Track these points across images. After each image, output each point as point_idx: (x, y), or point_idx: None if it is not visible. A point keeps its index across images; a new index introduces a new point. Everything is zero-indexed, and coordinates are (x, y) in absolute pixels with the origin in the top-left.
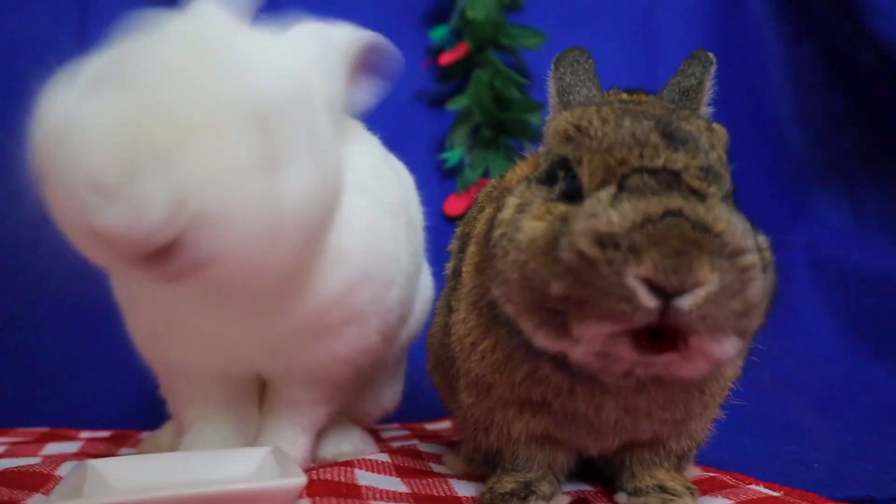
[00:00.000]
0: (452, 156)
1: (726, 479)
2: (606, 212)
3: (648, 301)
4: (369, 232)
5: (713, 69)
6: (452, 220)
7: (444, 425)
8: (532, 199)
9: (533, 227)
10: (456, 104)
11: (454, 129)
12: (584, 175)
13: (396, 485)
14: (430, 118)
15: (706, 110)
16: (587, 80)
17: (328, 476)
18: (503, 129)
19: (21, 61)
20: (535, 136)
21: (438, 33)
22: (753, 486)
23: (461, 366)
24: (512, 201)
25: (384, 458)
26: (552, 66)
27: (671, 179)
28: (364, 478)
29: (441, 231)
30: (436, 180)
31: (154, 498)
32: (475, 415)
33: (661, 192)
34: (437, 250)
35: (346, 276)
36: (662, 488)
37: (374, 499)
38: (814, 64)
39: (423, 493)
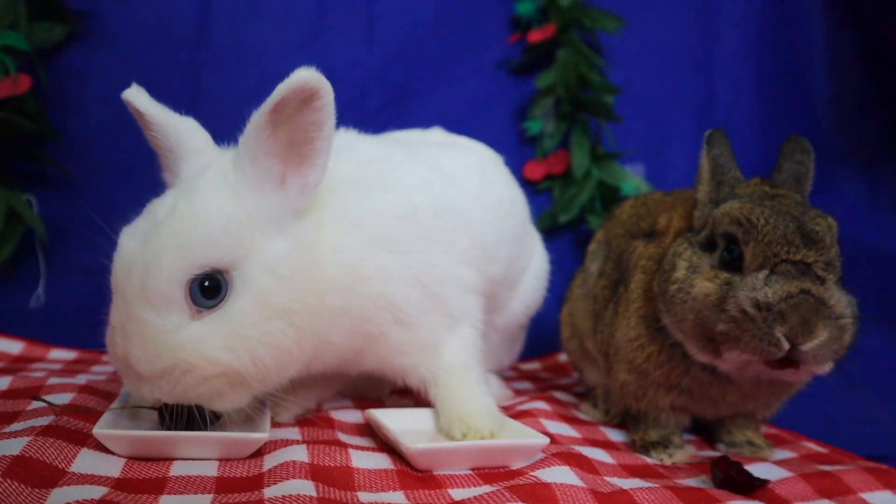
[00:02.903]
0: (533, 125)
1: (785, 435)
2: (763, 287)
3: (786, 345)
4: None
5: (812, 157)
6: (531, 184)
7: (533, 365)
8: (699, 263)
9: (705, 286)
10: (544, 81)
11: (535, 102)
12: (748, 254)
13: (572, 431)
14: (512, 86)
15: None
16: (732, 162)
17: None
18: (581, 106)
19: (142, 39)
20: (611, 115)
21: (524, 8)
22: (805, 443)
23: (624, 356)
24: (682, 263)
25: (547, 407)
26: (705, 144)
27: (805, 269)
28: (552, 427)
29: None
30: (516, 145)
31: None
32: (630, 388)
33: (798, 277)
34: None
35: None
36: (751, 443)
37: (583, 444)
38: (852, 52)
39: (592, 437)
